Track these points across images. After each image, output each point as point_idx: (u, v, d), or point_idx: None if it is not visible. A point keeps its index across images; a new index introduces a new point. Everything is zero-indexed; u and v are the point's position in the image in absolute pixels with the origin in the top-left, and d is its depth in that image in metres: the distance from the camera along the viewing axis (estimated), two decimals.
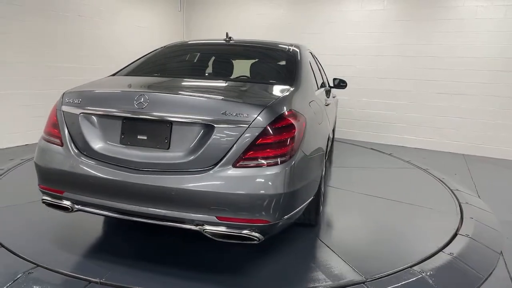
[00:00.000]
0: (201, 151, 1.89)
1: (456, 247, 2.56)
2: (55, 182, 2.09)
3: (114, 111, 2.03)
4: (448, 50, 5.69)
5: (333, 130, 5.13)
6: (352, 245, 2.61)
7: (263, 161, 1.85)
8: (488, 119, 5.59)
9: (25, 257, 2.19)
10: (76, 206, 2.07)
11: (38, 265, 2.11)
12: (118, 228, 2.66)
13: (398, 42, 6.01)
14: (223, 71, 3.13)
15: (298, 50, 2.99)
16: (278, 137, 1.89)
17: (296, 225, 2.63)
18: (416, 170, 4.63)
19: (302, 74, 2.64)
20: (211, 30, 7.55)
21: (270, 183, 1.82)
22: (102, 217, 2.71)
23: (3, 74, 4.71)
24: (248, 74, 2.96)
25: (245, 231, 1.85)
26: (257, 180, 1.83)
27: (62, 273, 2.05)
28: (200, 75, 3.03)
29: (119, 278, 2.03)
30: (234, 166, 1.85)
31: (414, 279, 2.14)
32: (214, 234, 1.88)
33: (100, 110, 2.07)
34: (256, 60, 3.19)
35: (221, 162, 1.86)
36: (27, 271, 2.04)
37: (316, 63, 3.86)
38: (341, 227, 2.92)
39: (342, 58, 6.38)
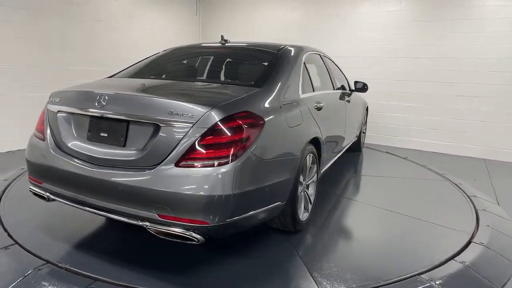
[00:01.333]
0: (148, 149, 1.96)
1: (469, 256, 2.47)
2: (37, 174, 2.30)
3: (80, 110, 2.20)
4: (468, 51, 5.52)
5: (359, 135, 5.18)
6: (341, 254, 2.48)
7: (205, 162, 1.86)
8: (511, 122, 5.38)
9: (37, 254, 2.26)
10: (51, 196, 2.24)
11: (48, 262, 2.17)
12: (127, 229, 2.70)
13: (415, 43, 5.88)
14: (203, 72, 3.13)
15: (287, 52, 2.93)
16: (221, 139, 1.89)
17: (273, 230, 2.66)
18: (431, 174, 4.50)
19: (278, 75, 2.60)
20: (227, 33, 7.58)
21: (209, 184, 1.83)
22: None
23: (27, 78, 4.89)
24: (232, 75, 3.05)
25: (184, 231, 1.87)
26: (197, 180, 1.83)
27: (70, 270, 2.10)
28: (179, 77, 3.03)
29: (125, 278, 2.06)
30: (177, 165, 1.87)
31: (421, 287, 2.08)
32: (156, 231, 1.92)
33: (71, 109, 2.25)
34: (236, 61, 3.18)
35: (164, 161, 1.90)
36: (37, 267, 2.10)
37: (325, 65, 3.79)
38: (333, 231, 2.82)
39: (358, 60, 6.29)
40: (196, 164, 1.86)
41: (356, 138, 5.05)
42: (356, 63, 6.27)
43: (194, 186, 1.83)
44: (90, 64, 5.67)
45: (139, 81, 2.67)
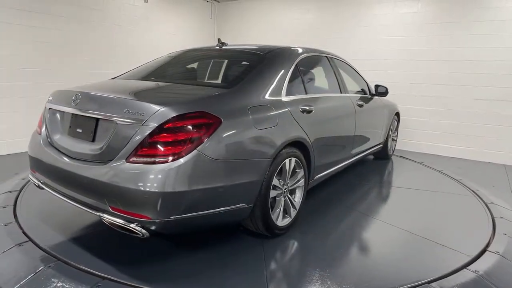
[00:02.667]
0: (107, 145, 2.10)
1: (483, 265, 2.39)
2: (32, 164, 2.56)
3: (61, 107, 2.44)
4: (488, 53, 5.36)
5: (385, 142, 4.90)
6: (321, 264, 2.35)
7: (151, 159, 1.94)
8: None
9: (49, 251, 2.32)
10: (41, 185, 2.47)
11: (58, 259, 2.23)
12: None
13: (432, 45, 5.75)
14: (185, 74, 3.14)
15: (275, 54, 2.93)
16: (168, 137, 1.96)
17: (246, 232, 2.66)
18: (447, 180, 4.38)
19: (252, 77, 2.60)
20: (242, 36, 7.65)
21: (151, 181, 1.89)
22: None
23: (48, 80, 5.05)
24: (211, 77, 3.07)
25: (128, 224, 1.96)
26: (141, 176, 1.91)
27: (78, 268, 2.15)
28: (162, 78, 3.03)
29: (132, 277, 2.09)
30: (127, 161, 1.98)
31: None
32: (109, 223, 2.05)
33: (57, 106, 2.49)
34: (221, 64, 3.19)
35: (117, 157, 2.02)
36: (48, 264, 2.16)
37: (333, 68, 3.69)
38: (319, 240, 2.68)
39: (373, 62, 6.21)
40: (143, 160, 1.95)
41: (381, 145, 4.82)
42: (371, 66, 6.19)
43: (138, 182, 1.91)
44: (108, 67, 5.81)
45: (125, 82, 2.83)
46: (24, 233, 2.57)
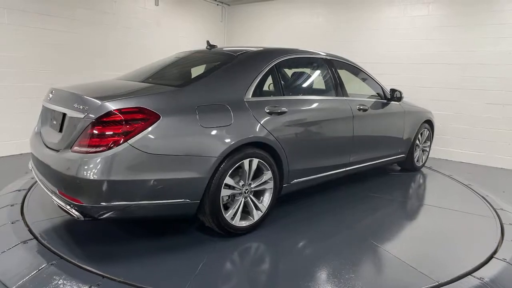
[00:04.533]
0: (62, 135, 2.35)
1: (489, 272, 2.33)
2: (31, 156, 2.78)
3: (45, 103, 2.73)
4: (500, 56, 5.25)
5: (409, 153, 4.48)
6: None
7: (87, 149, 2.13)
8: None
9: (52, 248, 2.36)
10: (32, 173, 2.73)
11: (61, 257, 2.26)
12: (139, 229, 2.77)
13: (443, 49, 5.67)
14: (157, 75, 3.11)
15: (247, 56, 2.95)
16: (103, 129, 2.13)
17: (204, 227, 2.69)
18: (456, 184, 4.30)
19: (208, 77, 2.67)
20: (252, 40, 7.69)
21: (83, 168, 2.08)
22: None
23: (61, 82, 5.17)
24: (177, 77, 3.14)
25: (67, 207, 2.18)
26: (75, 164, 2.11)
27: (80, 266, 2.18)
28: (138, 78, 3.02)
29: (132, 276, 2.11)
30: (71, 150, 2.20)
31: None
32: (56, 204, 2.30)
33: (43, 103, 2.79)
34: (195, 65, 3.18)
35: (66, 146, 2.26)
36: (51, 262, 2.20)
37: (330, 70, 3.55)
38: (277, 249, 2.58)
39: (384, 66, 6.15)
40: (80, 150, 2.16)
41: (402, 156, 4.43)
42: (381, 69, 6.13)
43: (73, 169, 2.11)
44: (120, 69, 5.88)
45: (106, 82, 3.06)
46: (30, 231, 2.62)
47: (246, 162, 2.59)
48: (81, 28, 5.38)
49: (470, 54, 5.47)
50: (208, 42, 3.44)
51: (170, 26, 6.82)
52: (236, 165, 2.54)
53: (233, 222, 2.60)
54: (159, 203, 2.27)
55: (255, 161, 2.65)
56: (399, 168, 4.87)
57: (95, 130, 2.13)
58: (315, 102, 3.28)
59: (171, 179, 2.27)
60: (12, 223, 2.72)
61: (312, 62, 3.63)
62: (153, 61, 3.57)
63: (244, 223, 2.68)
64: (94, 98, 2.24)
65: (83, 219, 2.16)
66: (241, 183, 2.62)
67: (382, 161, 4.14)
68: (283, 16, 7.30)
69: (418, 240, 2.82)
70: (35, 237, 2.53)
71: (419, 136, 4.63)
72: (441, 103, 5.77)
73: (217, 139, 2.44)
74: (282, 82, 3.07)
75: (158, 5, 6.49)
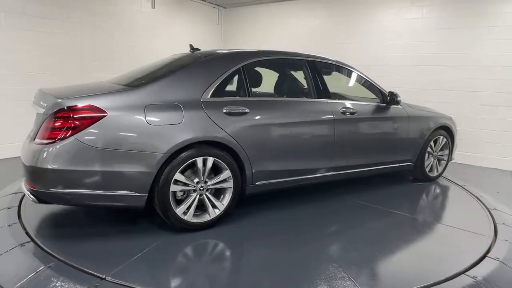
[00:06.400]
0: (35, 128, 2.60)
1: (481, 271, 2.36)
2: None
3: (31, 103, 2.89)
4: (494, 58, 5.32)
5: (418, 161, 4.13)
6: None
7: (41, 141, 2.42)
8: None
9: (49, 251, 2.37)
10: None
11: (59, 259, 2.27)
12: (137, 231, 2.79)
13: (438, 51, 5.74)
14: (129, 78, 3.13)
15: (210, 58, 3.02)
16: (54, 124, 2.40)
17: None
18: (450, 185, 4.34)
19: (163, 78, 2.77)
20: (248, 42, 7.73)
21: (34, 158, 2.38)
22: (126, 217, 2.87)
23: (56, 84, 5.17)
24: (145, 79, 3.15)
25: (27, 192, 2.48)
26: (31, 154, 2.42)
27: (78, 268, 2.18)
28: (117, 81, 3.08)
29: (131, 278, 2.12)
30: (34, 142, 2.48)
31: None
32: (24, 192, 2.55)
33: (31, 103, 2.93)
34: (166, 68, 3.15)
35: (31, 138, 2.57)
36: (48, 264, 2.20)
37: (309, 72, 3.42)
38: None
39: (379, 68, 6.21)
40: (38, 142, 2.44)
41: (409, 164, 4.11)
42: (378, 71, 6.16)
43: (28, 158, 2.44)
44: (116, 71, 5.85)
45: (90, 84, 3.18)
46: (27, 233, 2.62)
47: (199, 160, 2.66)
48: (78, 30, 5.39)
49: (464, 56, 5.53)
50: (191, 45, 3.47)
51: (166, 29, 6.84)
52: (188, 162, 2.62)
53: (185, 218, 2.68)
54: (106, 193, 2.46)
55: (210, 160, 2.70)
56: (411, 177, 4.48)
57: (49, 124, 2.41)
58: (283, 104, 3.24)
59: (115, 172, 2.45)
60: (9, 225, 2.73)
61: (289, 63, 3.62)
62: (146, 64, 3.59)
63: (197, 220, 2.75)
64: (55, 96, 2.49)
65: (37, 202, 2.46)
66: (196, 180, 2.68)
67: (381, 168, 3.87)
68: (279, 19, 7.35)
69: (411, 240, 2.85)
70: (32, 240, 2.53)
71: (431, 143, 4.24)
72: (436, 105, 5.79)
73: (165, 136, 2.55)
74: (249, 83, 3.08)
75: (154, 7, 6.52)
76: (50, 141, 2.37)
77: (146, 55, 6.37)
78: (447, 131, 4.42)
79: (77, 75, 5.41)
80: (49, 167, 2.34)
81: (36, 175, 2.39)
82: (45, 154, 2.35)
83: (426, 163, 4.25)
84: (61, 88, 2.88)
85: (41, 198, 2.43)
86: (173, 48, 6.88)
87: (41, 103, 2.59)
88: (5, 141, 4.84)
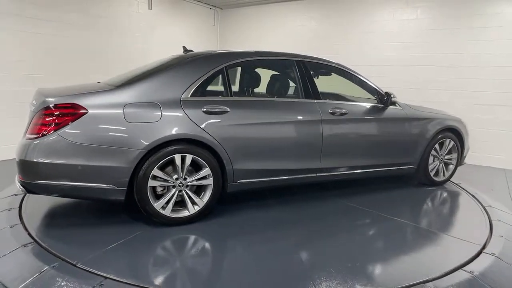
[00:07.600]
0: (27, 125, 2.75)
1: (478, 266, 2.42)
2: None
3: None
4: (487, 58, 5.41)
5: (420, 164, 3.94)
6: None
7: (29, 136, 2.59)
8: None
9: (53, 251, 2.38)
10: None
11: (63, 260, 2.29)
12: (139, 230, 2.81)
13: (432, 52, 5.82)
14: (120, 80, 3.17)
15: (195, 59, 3.10)
16: (39, 120, 2.57)
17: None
18: (447, 183, 4.41)
19: (144, 79, 2.88)
20: (244, 43, 7.76)
21: (22, 151, 2.57)
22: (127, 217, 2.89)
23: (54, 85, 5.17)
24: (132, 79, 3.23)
25: (18, 184, 2.64)
26: (20, 147, 2.61)
27: (81, 268, 2.21)
28: (110, 82, 3.14)
29: (134, 276, 2.15)
30: (25, 137, 2.64)
31: None
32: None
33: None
34: (153, 69, 3.18)
35: (23, 134, 2.71)
36: (52, 264, 2.22)
37: (298, 72, 3.39)
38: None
39: (374, 68, 6.28)
40: (27, 137, 2.61)
41: (411, 167, 3.95)
42: (371, 72, 6.23)
43: (19, 152, 2.60)
44: (114, 72, 5.86)
45: (84, 84, 3.27)
46: (29, 234, 2.63)
47: (177, 157, 2.76)
48: (75, 32, 5.39)
49: (458, 56, 5.62)
50: (184, 47, 3.53)
51: (163, 30, 6.86)
52: (167, 159, 2.73)
53: (163, 212, 2.78)
54: (87, 186, 2.61)
55: (189, 157, 2.79)
56: (416, 182, 4.26)
57: (37, 121, 2.58)
58: (266, 104, 3.26)
59: (95, 166, 2.59)
60: (11, 227, 2.74)
61: (276, 64, 3.65)
62: (143, 65, 3.60)
63: (176, 215, 2.84)
64: (44, 95, 2.64)
65: (26, 193, 2.72)
66: (175, 176, 2.78)
67: (376, 170, 3.74)
68: (275, 20, 7.40)
69: (407, 238, 2.91)
70: (35, 241, 2.54)
71: (436, 146, 4.04)
72: (431, 105, 5.87)
73: (142, 133, 2.68)
74: (231, 83, 3.13)
75: (151, 9, 6.53)
76: (36, 136, 2.54)
77: (143, 56, 6.39)
78: (455, 133, 4.18)
79: (75, 77, 5.40)
80: (34, 160, 2.51)
81: (24, 167, 2.58)
82: (31, 148, 2.53)
83: (430, 167, 4.04)
84: (56, 88, 2.98)
85: (29, 188, 2.61)
86: (170, 49, 6.91)
87: (33, 101, 2.78)
88: (3, 143, 4.83)
